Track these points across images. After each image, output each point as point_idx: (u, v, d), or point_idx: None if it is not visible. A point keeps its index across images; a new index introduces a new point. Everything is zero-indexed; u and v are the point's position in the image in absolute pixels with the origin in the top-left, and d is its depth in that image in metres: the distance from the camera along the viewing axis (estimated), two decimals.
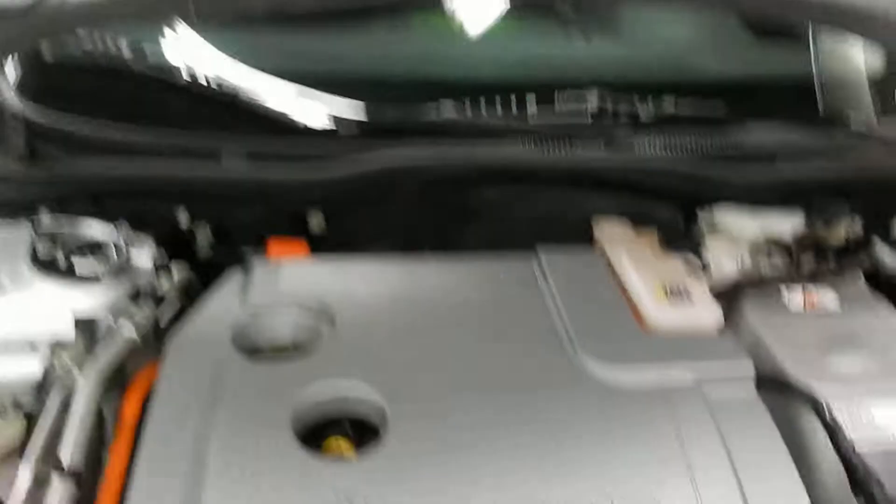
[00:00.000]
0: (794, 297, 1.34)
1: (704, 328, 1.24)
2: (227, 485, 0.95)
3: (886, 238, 1.49)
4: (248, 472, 0.96)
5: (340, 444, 1.05)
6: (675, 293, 1.28)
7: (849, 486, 1.12)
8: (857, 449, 1.13)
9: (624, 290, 1.31)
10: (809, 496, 1.09)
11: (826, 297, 1.35)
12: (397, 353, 1.15)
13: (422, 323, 1.22)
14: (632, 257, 1.37)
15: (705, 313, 1.25)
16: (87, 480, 1.03)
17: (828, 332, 1.29)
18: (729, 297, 1.35)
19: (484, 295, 1.29)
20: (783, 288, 1.35)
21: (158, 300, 1.27)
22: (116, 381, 1.22)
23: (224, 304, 1.25)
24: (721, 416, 1.09)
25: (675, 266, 1.37)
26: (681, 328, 1.24)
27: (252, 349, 1.19)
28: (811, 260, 1.46)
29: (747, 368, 1.14)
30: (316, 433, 1.06)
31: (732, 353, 1.17)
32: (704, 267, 1.35)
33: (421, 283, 1.32)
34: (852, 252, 1.50)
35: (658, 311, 1.25)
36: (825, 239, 1.49)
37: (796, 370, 1.22)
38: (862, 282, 1.42)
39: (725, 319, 1.31)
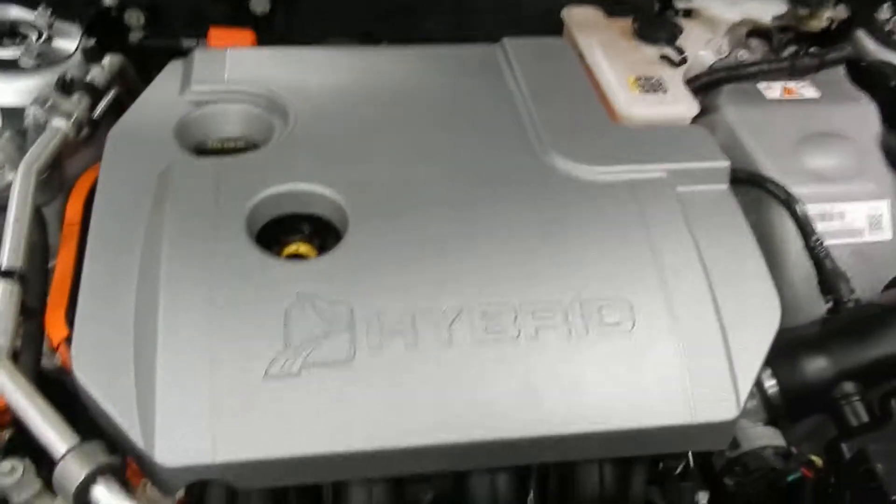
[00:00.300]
0: (773, 87, 1.29)
1: (678, 120, 1.19)
2: (181, 288, 0.90)
3: (870, 27, 1.42)
4: (203, 275, 0.91)
5: (300, 247, 1.01)
6: (648, 84, 1.21)
7: (816, 283, 1.13)
8: (825, 245, 1.12)
9: (595, 81, 1.24)
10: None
11: (805, 87, 1.29)
12: (356, 147, 1.08)
13: (382, 115, 1.14)
14: (603, 46, 1.28)
15: (679, 105, 1.19)
16: (34, 287, 0.99)
17: (805, 126, 1.24)
18: (706, 88, 1.29)
19: (447, 86, 1.20)
20: (761, 79, 1.29)
21: (92, 91, 1.17)
22: (56, 185, 1.15)
23: (165, 95, 1.15)
24: (692, 211, 1.05)
25: (649, 56, 1.29)
26: (653, 120, 1.18)
27: (197, 145, 1.12)
28: (792, 47, 1.39)
29: (721, 163, 1.10)
30: (275, 240, 1.02)
31: (706, 148, 1.12)
32: (681, 56, 1.27)
33: (379, 73, 1.23)
34: (835, 40, 1.43)
35: (629, 103, 1.18)
36: (807, 25, 1.42)
37: (771, 166, 1.19)
38: (843, 72, 1.36)
39: (701, 112, 1.26)
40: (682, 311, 0.96)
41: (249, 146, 1.12)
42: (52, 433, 0.80)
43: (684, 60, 1.26)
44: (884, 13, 1.43)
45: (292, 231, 1.04)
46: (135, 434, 0.83)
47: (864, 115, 1.28)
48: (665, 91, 1.21)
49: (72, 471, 0.77)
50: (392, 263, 0.95)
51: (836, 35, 1.43)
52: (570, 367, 0.91)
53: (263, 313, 0.89)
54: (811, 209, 1.17)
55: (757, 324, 0.98)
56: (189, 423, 0.83)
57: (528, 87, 1.18)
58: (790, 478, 1.00)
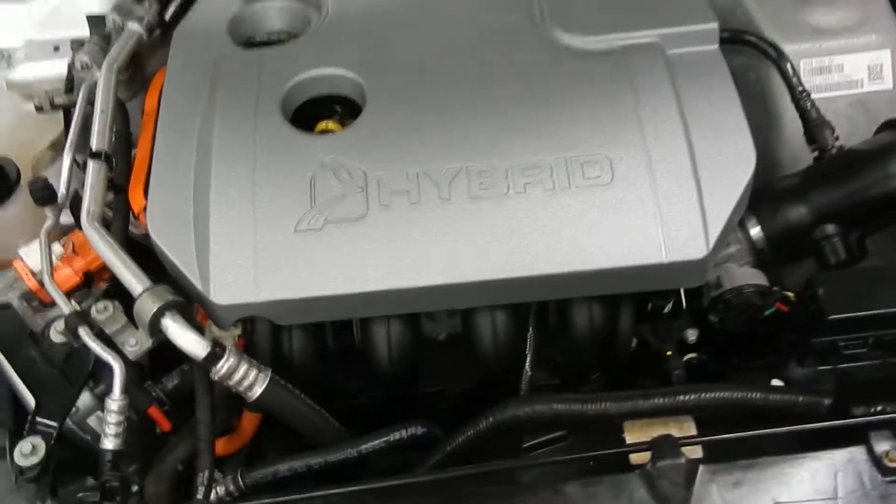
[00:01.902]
0: None
1: None
2: (228, 161, 1.10)
3: None
4: (245, 150, 1.10)
5: (329, 124, 1.18)
6: None
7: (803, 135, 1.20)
8: (811, 97, 1.19)
9: None
10: (766, 146, 1.18)
11: None
12: (378, 34, 1.23)
13: (404, 5, 1.27)
14: None
15: None
16: (120, 167, 1.21)
17: None
18: None
19: None
20: None
21: None
22: (139, 82, 1.36)
23: None
24: (680, 72, 1.15)
25: None
26: None
27: (247, 38, 1.29)
28: None
29: (710, 25, 1.17)
30: (313, 118, 1.19)
31: (697, 11, 1.19)
32: None
33: None
34: None
35: None
36: None
37: (769, 23, 1.25)
38: None
39: None
40: (658, 163, 1.07)
41: (291, 37, 1.28)
42: (132, 279, 1.03)
43: None
44: None
45: (327, 111, 1.21)
46: (195, 280, 1.04)
47: None
48: None
49: (146, 305, 0.99)
50: (401, 133, 1.11)
51: None
52: (552, 217, 1.05)
53: (293, 179, 1.08)
54: (810, 63, 1.23)
55: (730, 173, 1.08)
56: (236, 270, 1.04)
57: None
58: (767, 312, 1.13)
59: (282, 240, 1.05)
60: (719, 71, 1.16)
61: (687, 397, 0.94)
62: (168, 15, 1.36)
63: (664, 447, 0.89)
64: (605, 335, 1.13)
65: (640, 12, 1.20)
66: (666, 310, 1.17)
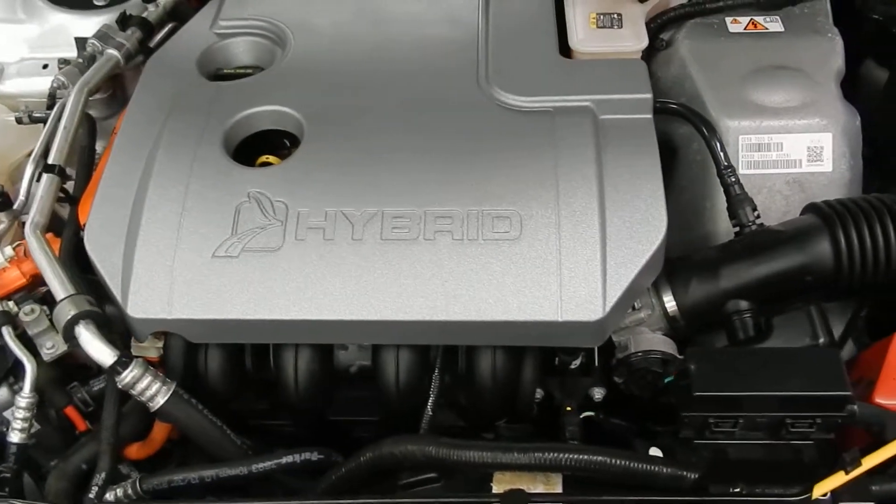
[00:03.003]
0: (740, 21, 1.34)
1: (626, 55, 1.30)
2: (164, 187, 1.17)
3: None
4: (181, 177, 1.17)
5: (269, 158, 1.25)
6: (606, 20, 1.32)
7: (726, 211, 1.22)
8: (735, 173, 1.20)
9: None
10: (702, 216, 1.20)
11: (772, 22, 1.34)
12: (330, 76, 1.30)
13: (362, 50, 1.34)
14: None
15: (627, 41, 1.30)
16: (79, 181, 1.30)
17: (758, 59, 1.31)
18: (672, 22, 1.37)
19: (424, 24, 1.37)
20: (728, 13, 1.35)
21: (145, 26, 1.44)
22: (119, 102, 1.46)
23: (198, 29, 1.41)
24: (608, 137, 1.18)
25: None
26: (602, 55, 1.29)
27: (214, 71, 1.37)
28: None
29: (645, 95, 1.21)
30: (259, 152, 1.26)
31: (636, 80, 1.23)
32: None
33: (366, 12, 1.40)
34: None
35: (581, 39, 1.30)
36: None
37: (712, 98, 1.28)
38: (828, 7, 1.38)
39: (666, 45, 1.35)
40: (567, 223, 1.11)
41: (258, 71, 1.36)
42: (58, 286, 1.10)
43: None
44: None
45: (277, 146, 1.28)
46: (116, 293, 1.12)
47: (826, 49, 1.32)
48: (620, 27, 1.31)
49: (63, 312, 1.07)
50: (327, 173, 1.17)
51: None
52: (457, 266, 1.09)
53: (220, 207, 1.15)
54: (748, 139, 1.25)
55: (638, 239, 1.10)
56: (153, 288, 1.11)
57: (494, 25, 1.34)
58: (666, 380, 1.14)
59: (199, 263, 1.11)
60: (646, 139, 1.19)
61: (547, 455, 0.96)
62: (153, 43, 1.46)
63: (511, 501, 0.91)
64: (509, 384, 1.16)
65: (579, 78, 1.25)
66: (573, 366, 1.19)
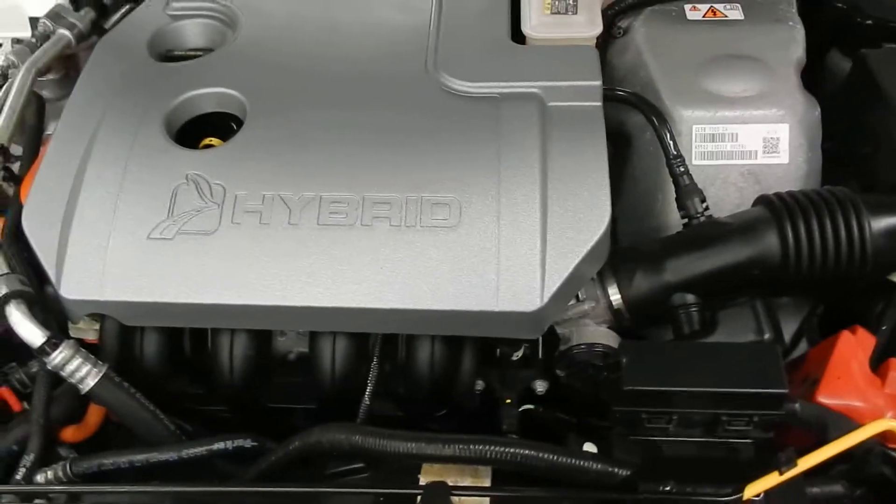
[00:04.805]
0: (699, 8, 1.32)
1: (579, 41, 1.27)
2: (103, 167, 1.15)
3: None
4: (120, 158, 1.16)
5: (212, 140, 1.23)
6: (560, 5, 1.29)
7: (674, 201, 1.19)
8: (684, 163, 1.17)
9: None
10: (655, 207, 1.18)
11: (732, 9, 1.31)
12: (276, 58, 1.28)
13: (311, 33, 1.32)
14: None
15: (580, 27, 1.27)
16: (25, 161, 1.27)
17: (715, 47, 1.28)
18: (631, 9, 1.34)
19: (372, 13, 1.34)
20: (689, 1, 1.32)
21: (99, 6, 1.43)
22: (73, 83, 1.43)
23: (152, 10, 1.39)
24: (554, 125, 1.15)
25: None
26: (554, 41, 1.27)
27: (165, 53, 1.35)
28: None
29: (593, 83, 1.18)
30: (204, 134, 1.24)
31: (586, 67, 1.20)
32: None
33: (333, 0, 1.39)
34: None
35: (534, 25, 1.28)
36: None
37: (666, 86, 1.25)
38: None
39: (623, 32, 1.33)
40: (507, 212, 1.09)
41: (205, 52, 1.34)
42: None
43: None
44: None
45: (225, 130, 1.26)
46: (51, 273, 1.10)
47: (786, 37, 1.28)
48: (575, 13, 1.28)
49: None
50: (266, 156, 1.15)
51: None
52: (393, 253, 1.07)
53: (157, 189, 1.13)
54: (703, 129, 1.22)
55: (580, 229, 1.08)
56: (87, 269, 1.09)
57: (446, 10, 1.31)
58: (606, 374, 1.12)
59: (133, 245, 1.10)
60: (593, 127, 1.16)
61: (472, 447, 0.94)
62: (109, 24, 1.45)
63: (432, 494, 0.89)
64: (447, 375, 1.14)
65: (528, 64, 1.22)
66: (515, 357, 1.17)
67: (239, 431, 1.13)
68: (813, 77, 1.30)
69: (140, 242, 1.10)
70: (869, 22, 1.30)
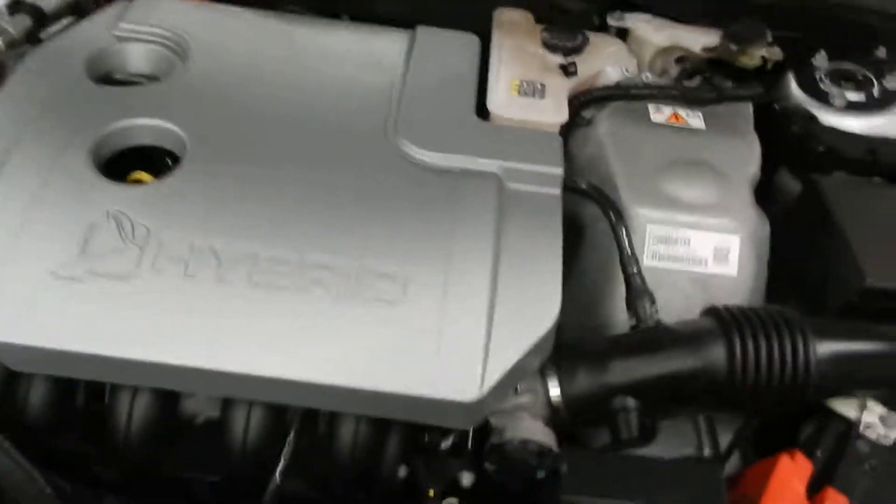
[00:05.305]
0: (662, 111, 1.31)
1: (544, 126, 1.24)
2: (12, 188, 1.04)
3: (800, 71, 1.40)
4: (34, 182, 1.04)
5: (142, 175, 1.13)
6: (529, 89, 1.26)
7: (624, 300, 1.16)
8: (638, 265, 1.14)
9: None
10: (604, 304, 1.14)
11: (693, 117, 1.31)
12: (225, 100, 1.20)
13: (267, 79, 1.24)
14: (509, 48, 1.34)
15: (546, 113, 1.24)
16: None
17: (675, 152, 1.27)
18: (596, 101, 1.32)
19: (338, 64, 1.29)
20: (651, 101, 1.31)
21: (36, 14, 1.32)
22: None
23: (96, 28, 1.30)
24: (512, 208, 1.11)
25: (549, 63, 1.33)
26: (521, 121, 1.23)
27: (104, 75, 1.25)
28: (712, 77, 1.39)
29: (555, 170, 1.14)
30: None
31: (549, 153, 1.16)
32: (572, 69, 1.30)
33: (290, 41, 1.32)
34: (769, 79, 1.42)
35: (499, 104, 1.24)
36: (739, 61, 1.41)
37: (624, 183, 1.23)
38: (750, 111, 1.36)
39: (587, 123, 1.31)
40: (454, 295, 1.02)
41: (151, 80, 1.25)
42: None
43: (574, 73, 1.30)
44: (819, 60, 1.41)
45: (159, 169, 1.16)
46: None
47: (744, 152, 1.29)
48: (542, 97, 1.25)
49: None
50: (201, 201, 1.06)
51: (771, 75, 1.43)
52: (327, 323, 0.99)
53: (70, 222, 1.02)
54: (656, 230, 1.20)
55: (528, 321, 1.02)
56: None
57: (413, 76, 1.26)
58: (540, 474, 1.05)
59: (33, 280, 0.97)
60: (551, 216, 1.12)
61: None
62: (46, 35, 1.34)
63: None
64: (370, 458, 1.06)
65: (491, 142, 1.17)
66: (443, 446, 1.10)
67: (126, 496, 1.02)
68: (761, 193, 1.30)
69: (41, 278, 0.98)
70: (821, 149, 1.32)
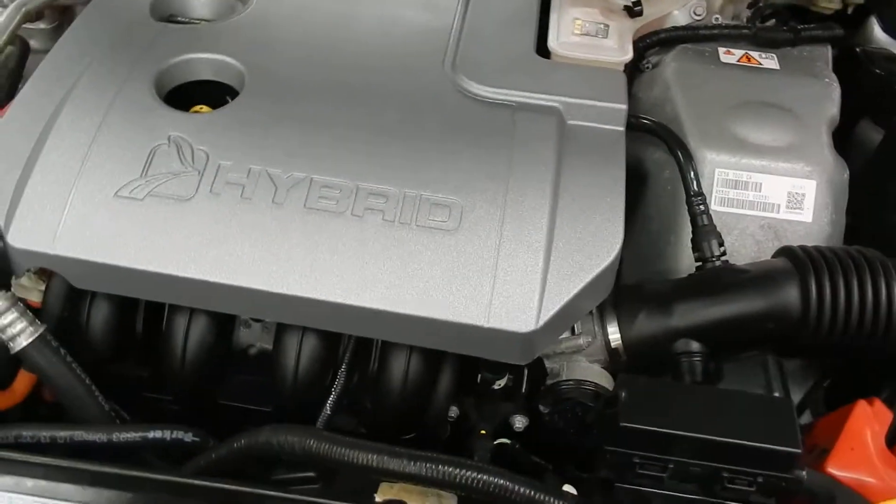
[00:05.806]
0: (733, 53, 1.26)
1: (606, 65, 1.19)
2: (78, 113, 1.05)
3: (884, 15, 1.33)
4: (99, 108, 1.06)
5: (202, 108, 1.13)
6: (591, 28, 1.22)
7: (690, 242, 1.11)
8: (705, 204, 1.09)
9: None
10: (667, 249, 1.10)
11: (767, 59, 1.25)
12: (285, 36, 1.19)
13: (328, 17, 1.24)
14: None
15: (612, 51, 1.20)
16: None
17: (747, 93, 1.21)
18: (663, 43, 1.28)
19: (395, 6, 1.26)
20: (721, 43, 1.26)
21: None
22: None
23: None
24: (573, 143, 1.08)
25: (613, 4, 1.28)
26: (583, 60, 1.19)
27: (169, 16, 1.27)
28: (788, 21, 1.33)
29: (619, 106, 1.10)
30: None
31: (613, 90, 1.12)
32: (637, 8, 1.25)
33: None
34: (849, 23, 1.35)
35: (563, 41, 1.21)
36: (818, 5, 1.35)
37: (691, 124, 1.18)
38: (829, 53, 1.29)
39: (655, 65, 1.27)
40: (511, 224, 0.99)
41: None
42: None
43: (639, 13, 1.25)
44: None
45: (219, 103, 1.16)
46: (1, 219, 0.99)
47: (821, 93, 1.22)
48: (605, 36, 1.21)
49: None
50: (258, 129, 1.06)
51: (852, 18, 1.36)
52: (381, 249, 0.97)
53: (133, 146, 1.03)
54: (725, 174, 1.15)
55: (587, 255, 0.99)
56: (41, 218, 0.98)
57: (473, 12, 1.24)
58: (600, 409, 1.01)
59: (98, 200, 0.99)
60: (615, 152, 1.08)
61: (440, 468, 0.83)
62: None
63: None
64: (421, 393, 1.04)
65: (551, 78, 1.14)
66: (497, 386, 1.07)
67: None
68: (841, 146, 1.24)
69: (105, 198, 0.99)
70: None
